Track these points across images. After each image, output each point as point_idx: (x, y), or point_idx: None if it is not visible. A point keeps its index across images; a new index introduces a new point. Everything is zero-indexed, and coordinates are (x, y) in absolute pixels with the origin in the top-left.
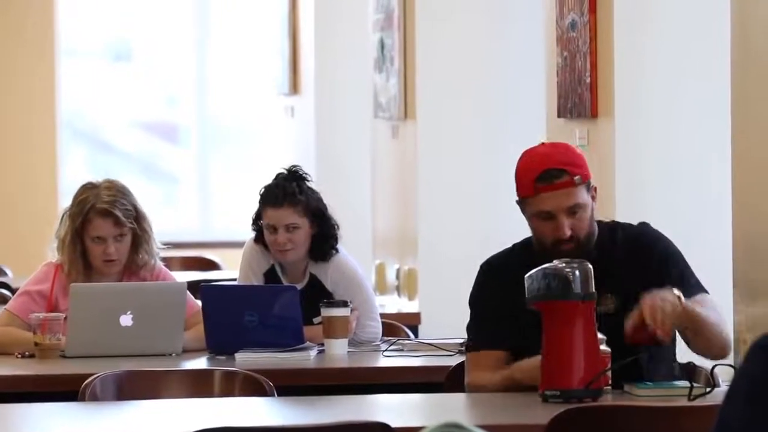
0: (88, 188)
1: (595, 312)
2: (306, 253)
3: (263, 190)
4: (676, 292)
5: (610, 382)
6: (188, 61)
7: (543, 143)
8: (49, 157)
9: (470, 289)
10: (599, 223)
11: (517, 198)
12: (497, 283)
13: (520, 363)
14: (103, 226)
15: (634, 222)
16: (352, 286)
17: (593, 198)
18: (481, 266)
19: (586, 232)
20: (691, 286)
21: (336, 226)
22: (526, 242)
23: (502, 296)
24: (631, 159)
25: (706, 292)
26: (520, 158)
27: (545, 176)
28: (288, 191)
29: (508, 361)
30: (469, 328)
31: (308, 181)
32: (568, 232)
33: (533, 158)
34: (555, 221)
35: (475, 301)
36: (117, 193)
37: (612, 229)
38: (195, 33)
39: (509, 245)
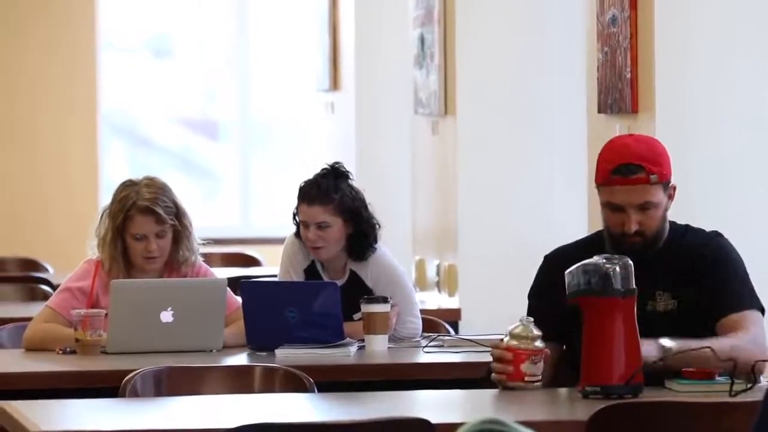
0: (128, 186)
1: (654, 309)
2: (344, 250)
3: (301, 185)
4: (666, 343)
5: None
6: (229, 57)
7: (631, 134)
8: (89, 153)
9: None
10: (673, 224)
11: (595, 182)
12: (555, 276)
13: None
14: (144, 224)
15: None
16: (393, 283)
17: (670, 197)
18: (544, 258)
19: (655, 230)
20: (728, 300)
21: (376, 226)
22: (592, 237)
23: (559, 290)
24: (671, 154)
25: (751, 307)
26: (605, 145)
27: (621, 169)
28: (322, 189)
29: (554, 353)
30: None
31: (349, 178)
32: (634, 228)
33: (615, 148)
34: (624, 214)
35: (531, 293)
36: (158, 190)
37: (683, 232)
38: (235, 29)
39: (576, 239)
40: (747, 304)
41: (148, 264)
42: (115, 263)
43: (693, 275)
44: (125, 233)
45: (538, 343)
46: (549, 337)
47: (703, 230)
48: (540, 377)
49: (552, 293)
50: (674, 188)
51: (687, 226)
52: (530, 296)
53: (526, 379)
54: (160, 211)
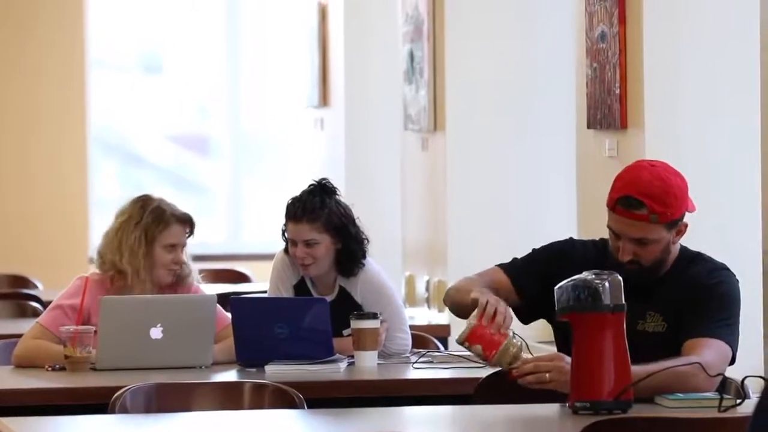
0: (148, 199)
1: (643, 329)
2: (332, 267)
3: (288, 202)
4: None
5: None
6: (219, 73)
7: (653, 164)
8: (79, 169)
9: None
10: (684, 250)
11: None
12: (564, 257)
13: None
14: (178, 233)
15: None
16: (382, 299)
17: (679, 232)
18: (570, 238)
19: (652, 261)
20: (699, 326)
21: (365, 241)
22: (605, 242)
23: (557, 270)
24: None
25: (719, 338)
26: (626, 167)
27: (625, 201)
28: (308, 207)
29: (508, 294)
30: (514, 258)
31: (336, 195)
32: (627, 257)
33: (627, 177)
34: (620, 241)
35: (535, 250)
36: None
37: (691, 260)
38: (225, 45)
39: (596, 238)
40: (715, 334)
41: (170, 275)
42: (137, 275)
43: (686, 303)
44: (155, 244)
45: (510, 352)
46: (514, 274)
47: (713, 261)
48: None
49: (549, 264)
50: (685, 225)
51: (698, 254)
52: (535, 250)
53: (487, 353)
54: (193, 222)
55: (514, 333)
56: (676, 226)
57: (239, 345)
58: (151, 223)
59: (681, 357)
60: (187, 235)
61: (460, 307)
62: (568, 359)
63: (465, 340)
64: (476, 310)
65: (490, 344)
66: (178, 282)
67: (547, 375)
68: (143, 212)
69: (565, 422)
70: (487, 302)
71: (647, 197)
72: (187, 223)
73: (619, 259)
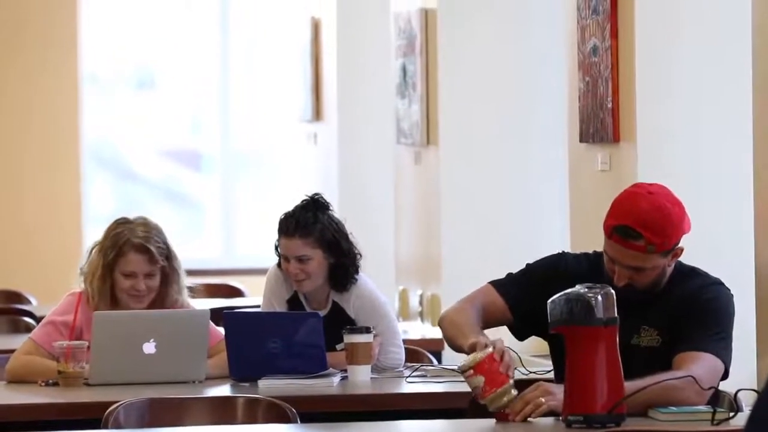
0: (122, 223)
1: (637, 344)
2: (325, 282)
3: (281, 218)
4: None
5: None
6: (212, 88)
7: (650, 191)
8: (73, 185)
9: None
10: (679, 265)
11: None
12: (558, 271)
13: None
14: (136, 261)
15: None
16: (375, 313)
17: (675, 256)
18: (562, 252)
19: (646, 284)
20: (690, 340)
21: (357, 256)
22: (598, 256)
23: (551, 285)
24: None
25: (710, 353)
26: (624, 192)
27: (621, 230)
28: (301, 222)
29: (501, 313)
30: (508, 274)
31: (329, 210)
32: (622, 283)
33: (626, 204)
34: (616, 266)
35: (529, 265)
36: (152, 230)
37: (686, 275)
38: (218, 60)
39: (588, 251)
40: (707, 348)
41: (133, 301)
42: (103, 298)
43: (680, 317)
44: (115, 269)
45: (504, 399)
46: (507, 295)
47: (708, 276)
48: (476, 393)
49: (541, 281)
50: (681, 249)
51: (693, 269)
52: (528, 265)
53: (487, 387)
54: (153, 250)
55: (514, 383)
56: (673, 251)
57: (232, 360)
58: (107, 248)
59: (672, 371)
60: (150, 263)
61: (454, 346)
62: (552, 385)
63: (471, 368)
64: (488, 348)
65: (493, 380)
66: (164, 308)
67: (542, 399)
68: (106, 236)
69: None
70: (496, 341)
71: (645, 228)
72: (144, 252)
73: (614, 282)
